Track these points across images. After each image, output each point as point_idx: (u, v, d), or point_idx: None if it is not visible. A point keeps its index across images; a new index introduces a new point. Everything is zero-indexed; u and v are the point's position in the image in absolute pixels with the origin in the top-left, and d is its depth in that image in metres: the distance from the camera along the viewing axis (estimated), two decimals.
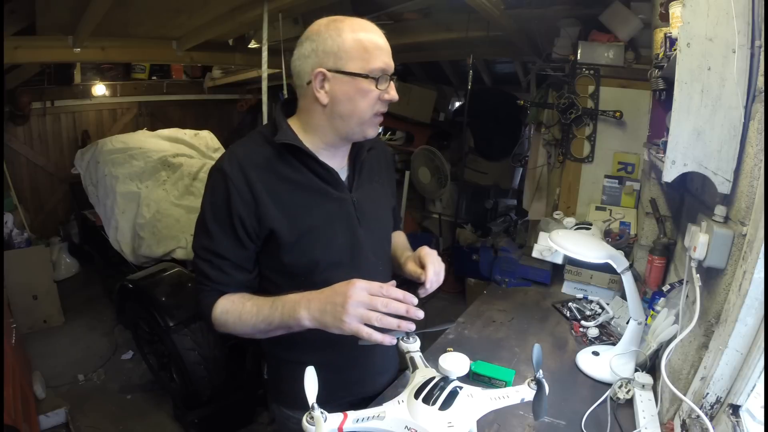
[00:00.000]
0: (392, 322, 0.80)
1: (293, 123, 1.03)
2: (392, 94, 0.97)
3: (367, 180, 1.12)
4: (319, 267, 1.02)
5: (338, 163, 1.06)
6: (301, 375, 1.08)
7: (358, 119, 0.98)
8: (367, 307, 0.79)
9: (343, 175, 1.07)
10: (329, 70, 0.94)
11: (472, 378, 1.25)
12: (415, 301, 0.82)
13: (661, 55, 1.35)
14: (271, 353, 1.16)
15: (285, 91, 2.50)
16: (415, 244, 1.24)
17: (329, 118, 0.99)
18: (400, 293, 0.81)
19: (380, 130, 4.30)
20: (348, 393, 1.13)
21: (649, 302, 1.43)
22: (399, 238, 1.28)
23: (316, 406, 0.76)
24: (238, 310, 0.95)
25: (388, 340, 0.81)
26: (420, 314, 0.81)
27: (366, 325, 0.79)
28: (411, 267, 1.05)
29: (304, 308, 0.85)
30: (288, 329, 0.90)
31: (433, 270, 0.99)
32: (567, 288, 1.88)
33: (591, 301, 1.75)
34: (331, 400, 1.05)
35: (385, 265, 1.15)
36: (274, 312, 0.90)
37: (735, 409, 0.88)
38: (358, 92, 0.95)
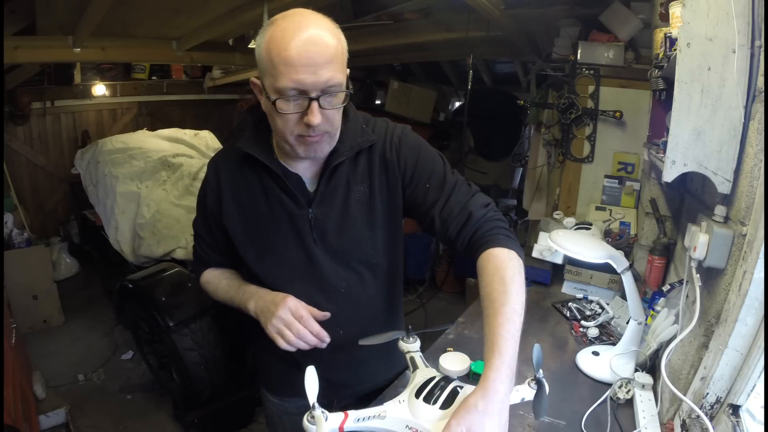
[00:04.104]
0: (300, 344, 0.92)
1: None
2: (308, 118, 0.83)
3: (343, 192, 0.99)
4: (277, 278, 1.02)
5: (308, 170, 0.99)
6: (277, 364, 1.14)
7: (281, 138, 0.90)
8: (285, 325, 0.92)
9: (313, 185, 0.99)
10: (258, 80, 0.88)
11: (472, 378, 1.25)
12: (327, 339, 0.94)
13: (661, 55, 1.35)
14: (252, 336, 1.17)
15: None
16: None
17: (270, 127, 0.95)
18: (317, 328, 0.93)
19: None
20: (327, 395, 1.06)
21: (649, 302, 1.43)
22: (492, 277, 0.83)
23: (317, 405, 0.76)
24: (215, 285, 1.12)
25: (286, 347, 0.92)
26: (326, 341, 0.95)
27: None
28: None
29: (252, 302, 0.99)
30: (246, 311, 1.02)
31: None
32: (567, 288, 1.88)
33: (591, 301, 1.74)
34: (295, 392, 1.05)
35: (352, 287, 1.04)
36: (235, 296, 1.05)
37: (735, 409, 0.88)
38: (273, 111, 0.85)
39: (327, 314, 0.96)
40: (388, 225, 1.03)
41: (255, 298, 0.99)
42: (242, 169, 1.00)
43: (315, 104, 0.82)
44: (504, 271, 0.83)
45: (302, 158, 0.95)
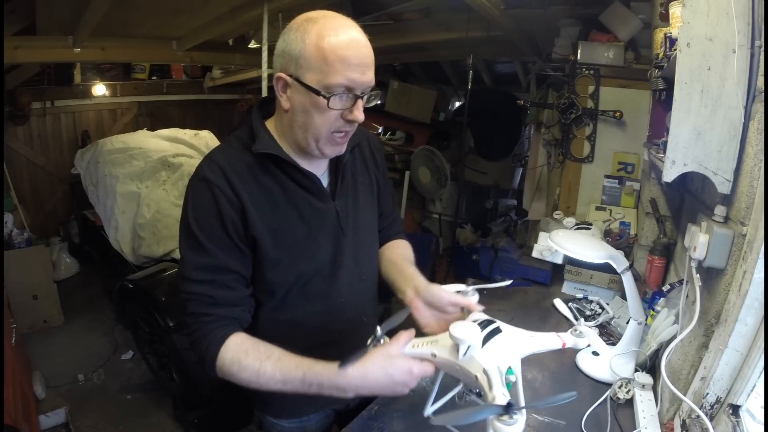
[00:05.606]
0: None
1: (270, 125, 0.98)
2: (355, 114, 0.88)
3: (351, 183, 1.06)
4: (300, 280, 0.99)
5: (318, 167, 1.00)
6: None
7: (313, 135, 0.90)
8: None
9: (325, 181, 1.02)
10: (290, 76, 0.86)
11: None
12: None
13: (661, 55, 1.35)
14: None
15: (264, 90, 2.46)
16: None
17: (290, 125, 0.92)
18: (428, 369, 0.86)
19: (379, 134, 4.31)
20: (334, 401, 1.10)
21: (649, 302, 1.43)
22: (399, 252, 1.16)
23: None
24: (255, 368, 0.86)
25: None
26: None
27: None
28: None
29: (352, 392, 0.82)
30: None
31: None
32: (567, 288, 1.88)
33: (591, 301, 1.75)
34: (317, 408, 1.12)
35: (368, 272, 1.10)
36: (308, 388, 0.84)
37: (735, 409, 0.88)
38: (314, 107, 0.86)
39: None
40: (379, 210, 1.17)
41: (353, 386, 0.82)
42: (254, 172, 0.93)
43: (361, 101, 0.88)
44: (410, 251, 1.19)
45: (321, 156, 0.96)
